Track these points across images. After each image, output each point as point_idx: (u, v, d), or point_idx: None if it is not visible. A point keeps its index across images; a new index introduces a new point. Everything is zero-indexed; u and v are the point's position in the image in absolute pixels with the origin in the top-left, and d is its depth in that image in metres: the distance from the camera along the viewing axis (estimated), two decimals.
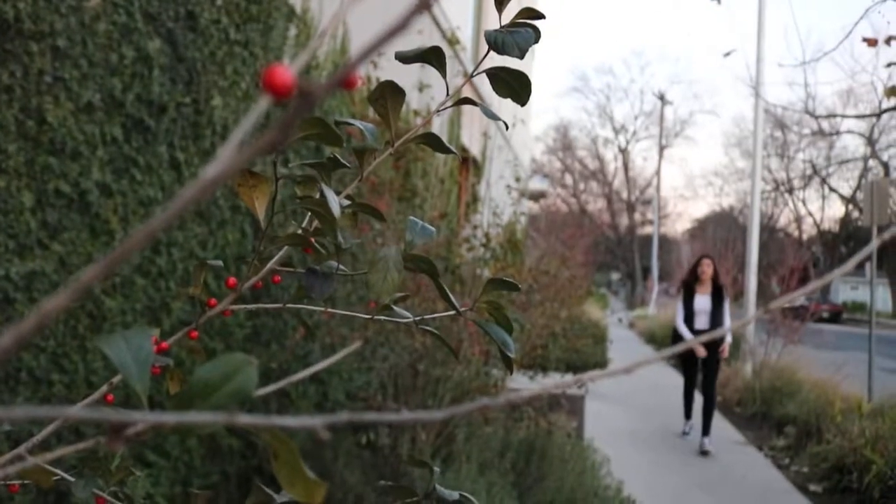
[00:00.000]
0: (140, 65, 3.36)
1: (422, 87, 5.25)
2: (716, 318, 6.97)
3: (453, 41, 7.71)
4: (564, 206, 39.63)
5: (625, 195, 45.50)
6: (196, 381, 0.34)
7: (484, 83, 11.83)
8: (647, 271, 37.17)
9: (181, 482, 3.79)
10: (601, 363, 11.15)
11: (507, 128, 0.89)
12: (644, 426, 7.82)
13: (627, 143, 46.29)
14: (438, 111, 0.81)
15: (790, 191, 42.35)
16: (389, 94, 0.76)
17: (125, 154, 3.33)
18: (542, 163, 43.77)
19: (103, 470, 0.72)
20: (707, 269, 7.13)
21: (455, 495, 0.75)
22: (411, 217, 0.76)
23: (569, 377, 6.30)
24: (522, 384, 5.66)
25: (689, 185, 71.97)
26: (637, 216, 45.63)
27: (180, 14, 3.62)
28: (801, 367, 9.03)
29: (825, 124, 33.47)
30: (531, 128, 19.76)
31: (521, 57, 0.76)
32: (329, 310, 0.79)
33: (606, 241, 42.98)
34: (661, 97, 40.36)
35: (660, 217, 37.45)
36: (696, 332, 6.94)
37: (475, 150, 10.16)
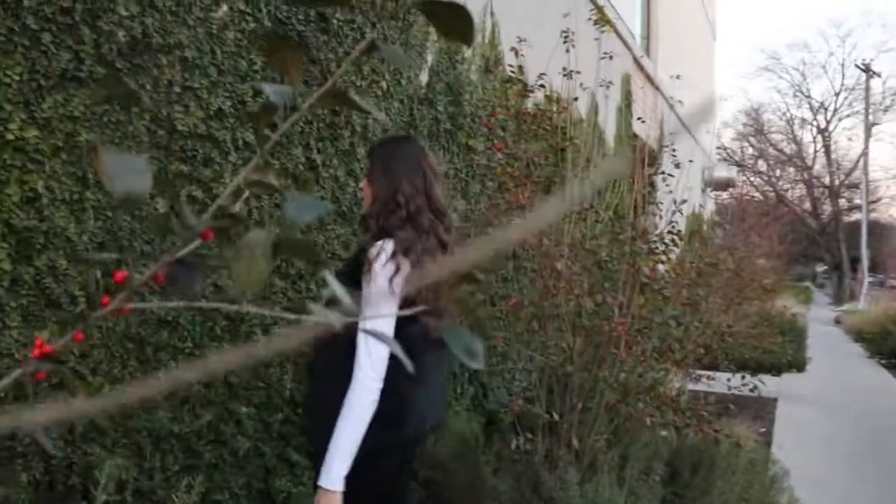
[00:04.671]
0: (270, 70, 3.38)
1: (568, 73, 4.91)
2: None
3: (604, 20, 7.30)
4: (759, 195, 37.15)
5: (827, 180, 41.86)
6: None
7: (657, 65, 11.22)
8: (856, 262, 33.97)
9: None
10: (797, 362, 10.22)
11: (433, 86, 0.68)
12: (845, 433, 7.01)
13: (828, 122, 42.52)
14: (351, 59, 0.62)
15: None
16: (288, 51, 0.58)
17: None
18: (733, 150, 41.37)
19: None
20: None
21: None
22: (293, 191, 0.58)
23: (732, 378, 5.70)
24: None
25: None
26: (842, 202, 41.83)
27: (311, 16, 3.62)
28: None
29: None
30: (717, 112, 18.61)
31: None
32: (194, 304, 0.62)
33: (808, 230, 39.76)
34: (867, 69, 36.73)
35: (869, 202, 34.14)
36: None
37: (649, 137, 9.64)
